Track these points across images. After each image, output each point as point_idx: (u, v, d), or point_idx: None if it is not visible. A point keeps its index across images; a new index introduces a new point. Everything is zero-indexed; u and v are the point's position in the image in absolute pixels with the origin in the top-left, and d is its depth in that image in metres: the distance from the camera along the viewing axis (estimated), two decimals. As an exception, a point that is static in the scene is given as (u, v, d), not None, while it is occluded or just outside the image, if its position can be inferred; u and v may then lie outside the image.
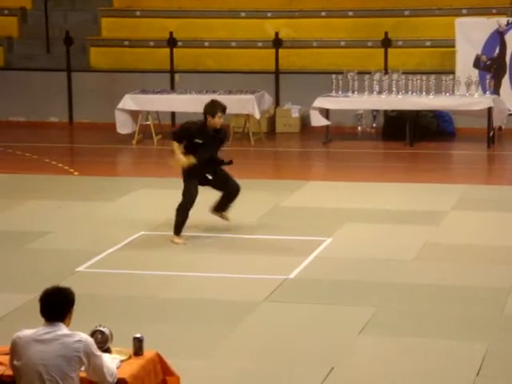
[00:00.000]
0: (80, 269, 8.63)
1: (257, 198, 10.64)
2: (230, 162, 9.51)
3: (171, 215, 10.23)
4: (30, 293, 7.39)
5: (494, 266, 8.62)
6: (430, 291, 7.99)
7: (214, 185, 9.52)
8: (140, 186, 11.85)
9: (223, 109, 9.42)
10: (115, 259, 8.96)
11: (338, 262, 8.78)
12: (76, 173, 12.80)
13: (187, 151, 9.33)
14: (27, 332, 4.94)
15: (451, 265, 8.66)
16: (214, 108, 9.37)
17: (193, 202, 9.37)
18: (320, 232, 9.64)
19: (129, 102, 14.81)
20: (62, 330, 4.90)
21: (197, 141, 9.28)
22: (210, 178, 9.40)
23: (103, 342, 5.22)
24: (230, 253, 9.11)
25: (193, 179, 9.35)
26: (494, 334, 7.07)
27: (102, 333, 5.25)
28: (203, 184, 9.48)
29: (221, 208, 9.62)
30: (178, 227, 9.37)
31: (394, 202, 10.94)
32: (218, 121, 9.32)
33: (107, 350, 5.21)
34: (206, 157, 9.29)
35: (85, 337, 4.93)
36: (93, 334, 5.19)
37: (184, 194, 9.38)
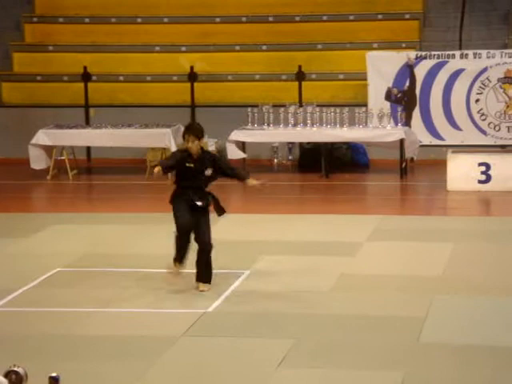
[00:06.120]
0: (-7, 308, 8.46)
1: (173, 231, 10.59)
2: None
3: (87, 251, 10.09)
4: None
5: (408, 296, 8.75)
6: (347, 322, 8.07)
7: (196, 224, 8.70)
8: (55, 221, 11.69)
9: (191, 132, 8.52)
10: (30, 297, 8.80)
11: (256, 295, 8.80)
12: (-11, 209, 12.57)
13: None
14: None
15: (367, 295, 8.76)
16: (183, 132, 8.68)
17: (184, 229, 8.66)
18: (237, 265, 9.66)
19: (42, 137, 14.64)
20: (-25, 371, 4.79)
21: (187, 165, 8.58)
22: (199, 204, 8.63)
23: (18, 382, 5.13)
24: (147, 287, 9.04)
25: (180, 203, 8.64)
26: (410, 362, 7.16)
27: (17, 373, 5.15)
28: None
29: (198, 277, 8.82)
30: (176, 254, 8.73)
31: (310, 233, 11.04)
32: (189, 146, 8.54)
33: (22, 391, 5.12)
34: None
35: (-1, 378, 4.82)
36: (7, 375, 5.10)
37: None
